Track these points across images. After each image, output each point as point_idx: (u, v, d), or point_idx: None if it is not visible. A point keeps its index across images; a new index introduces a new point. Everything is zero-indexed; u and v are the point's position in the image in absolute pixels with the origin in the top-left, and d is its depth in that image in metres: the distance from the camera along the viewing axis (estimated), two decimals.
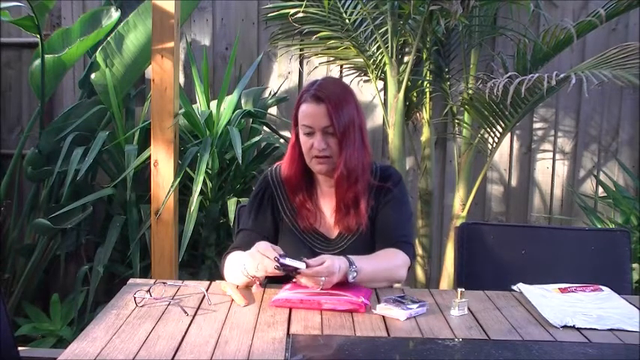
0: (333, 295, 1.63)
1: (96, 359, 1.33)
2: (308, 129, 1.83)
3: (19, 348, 1.93)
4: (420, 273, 3.34)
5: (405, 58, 3.26)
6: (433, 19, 3.00)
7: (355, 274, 1.71)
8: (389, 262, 1.83)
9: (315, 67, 3.51)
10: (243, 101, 3.31)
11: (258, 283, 1.74)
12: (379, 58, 3.15)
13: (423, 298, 1.67)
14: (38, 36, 3.16)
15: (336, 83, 1.94)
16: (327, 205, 1.93)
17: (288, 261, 1.63)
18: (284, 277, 1.73)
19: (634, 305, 1.72)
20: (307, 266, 1.63)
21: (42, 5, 3.15)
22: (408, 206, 1.98)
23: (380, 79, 3.25)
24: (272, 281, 1.80)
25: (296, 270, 1.63)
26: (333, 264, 1.65)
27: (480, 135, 3.07)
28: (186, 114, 3.02)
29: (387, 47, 3.04)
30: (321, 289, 1.65)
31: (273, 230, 1.93)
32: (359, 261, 1.73)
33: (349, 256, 1.73)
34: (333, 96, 1.82)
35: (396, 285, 1.98)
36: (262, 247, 1.68)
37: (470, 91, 3.03)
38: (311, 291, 1.66)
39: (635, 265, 3.01)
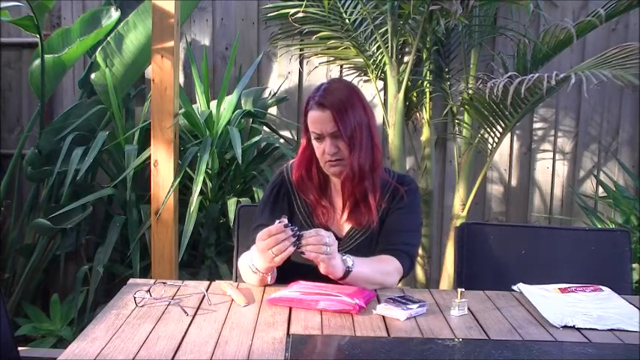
0: (329, 296, 1.64)
1: (96, 359, 1.33)
2: (317, 135, 1.86)
3: (19, 348, 1.93)
4: (420, 273, 3.34)
5: (405, 58, 3.26)
6: (433, 19, 3.00)
7: (351, 261, 1.72)
8: (381, 266, 1.83)
9: (315, 67, 3.51)
10: (243, 101, 3.31)
11: (270, 275, 1.77)
12: (379, 58, 3.15)
13: (423, 298, 1.67)
14: (38, 36, 3.16)
15: (341, 87, 1.91)
16: (340, 203, 1.95)
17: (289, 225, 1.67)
18: (289, 277, 1.74)
19: (634, 305, 1.72)
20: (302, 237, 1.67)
21: (42, 5, 3.15)
22: (418, 218, 1.99)
23: (380, 79, 3.25)
24: (277, 281, 1.81)
25: (299, 238, 1.65)
26: (329, 235, 1.67)
27: (480, 135, 3.07)
28: (186, 114, 3.02)
29: (387, 47, 3.04)
30: (320, 259, 1.66)
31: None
32: (354, 259, 1.75)
33: (344, 253, 1.75)
34: (337, 101, 1.83)
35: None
36: (264, 233, 1.68)
37: (470, 91, 3.03)
38: (308, 290, 1.67)
39: (635, 265, 3.01)
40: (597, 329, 1.55)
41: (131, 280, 1.86)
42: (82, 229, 3.34)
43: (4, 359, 1.74)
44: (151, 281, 1.82)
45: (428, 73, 3.26)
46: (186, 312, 1.60)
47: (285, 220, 1.68)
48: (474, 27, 3.16)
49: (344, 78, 3.47)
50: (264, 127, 3.35)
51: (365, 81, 3.47)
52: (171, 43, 2.77)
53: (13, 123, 3.70)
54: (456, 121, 3.22)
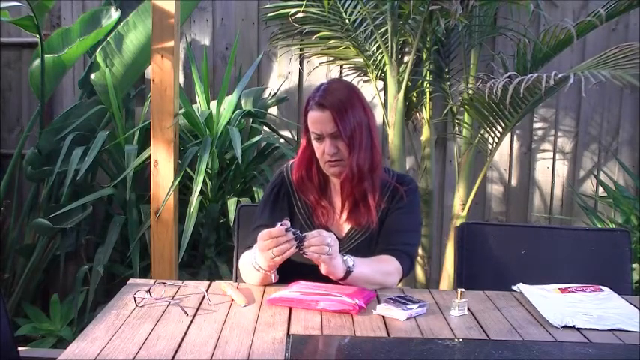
0: (329, 296, 1.64)
1: (96, 359, 1.33)
2: (317, 135, 1.86)
3: (19, 348, 1.93)
4: (420, 273, 3.34)
5: (405, 58, 3.26)
6: (433, 19, 3.00)
7: (352, 261, 1.72)
8: (381, 266, 1.83)
9: (315, 67, 3.51)
10: (243, 101, 3.31)
11: (273, 273, 1.77)
12: (379, 58, 3.15)
13: (423, 298, 1.67)
14: (38, 36, 3.16)
15: (341, 87, 1.91)
16: (339, 204, 1.95)
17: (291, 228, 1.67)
18: (289, 277, 1.75)
19: (634, 305, 1.72)
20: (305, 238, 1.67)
21: (42, 5, 3.15)
22: (418, 218, 1.99)
23: (380, 79, 3.25)
24: (277, 281, 1.81)
25: (301, 240, 1.65)
26: (331, 236, 1.68)
27: (480, 135, 3.07)
28: (186, 114, 3.02)
29: (387, 47, 3.04)
30: (322, 258, 1.66)
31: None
32: (355, 259, 1.75)
33: (344, 254, 1.75)
34: (337, 101, 1.83)
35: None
36: (265, 234, 1.69)
37: (470, 91, 3.03)
38: (308, 290, 1.67)
39: (635, 265, 3.01)
40: (597, 329, 1.55)
41: (131, 280, 1.86)
42: (82, 229, 3.34)
43: (4, 359, 1.74)
44: (151, 281, 1.82)
45: (428, 73, 3.26)
46: (186, 312, 1.60)
47: (288, 224, 1.68)
48: (474, 27, 3.16)
49: (344, 78, 3.47)
50: (264, 127, 3.35)
51: (365, 81, 3.47)
52: (171, 43, 2.77)
53: (13, 123, 3.70)
54: (456, 121, 3.22)
